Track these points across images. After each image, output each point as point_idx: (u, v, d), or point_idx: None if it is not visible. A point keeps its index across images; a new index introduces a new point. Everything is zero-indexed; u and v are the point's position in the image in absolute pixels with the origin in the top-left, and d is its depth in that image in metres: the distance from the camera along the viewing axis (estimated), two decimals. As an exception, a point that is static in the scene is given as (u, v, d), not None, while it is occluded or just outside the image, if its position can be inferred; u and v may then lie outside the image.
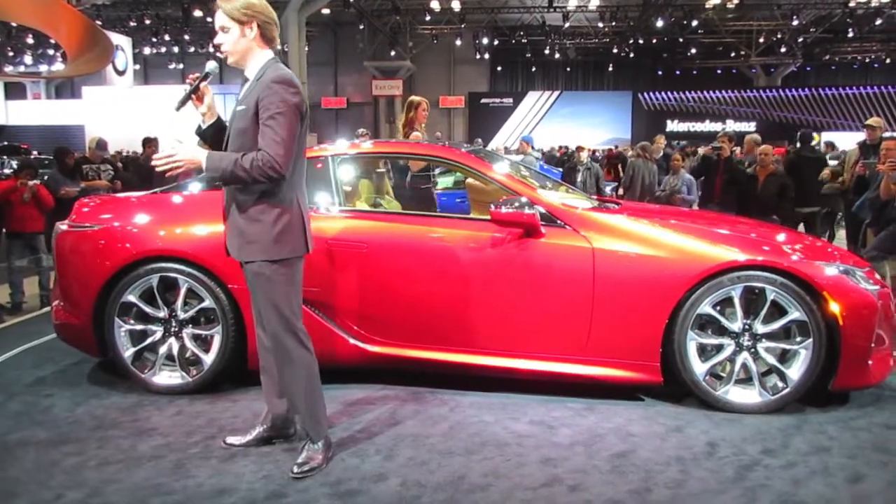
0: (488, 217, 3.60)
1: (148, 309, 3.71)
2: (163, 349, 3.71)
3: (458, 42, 30.15)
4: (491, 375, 3.68)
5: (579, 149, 10.35)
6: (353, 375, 3.82)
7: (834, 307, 3.36)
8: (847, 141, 14.30)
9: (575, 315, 3.50)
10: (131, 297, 3.68)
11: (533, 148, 10.03)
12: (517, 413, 3.47)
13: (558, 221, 3.59)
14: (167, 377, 3.72)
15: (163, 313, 3.71)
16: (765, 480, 2.81)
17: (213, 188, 3.78)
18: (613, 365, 3.53)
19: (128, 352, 3.72)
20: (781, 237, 3.91)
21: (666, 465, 2.94)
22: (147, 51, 31.63)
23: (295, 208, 2.75)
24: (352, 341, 3.68)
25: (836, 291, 3.37)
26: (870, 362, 3.45)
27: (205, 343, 3.71)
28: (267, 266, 2.71)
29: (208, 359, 3.67)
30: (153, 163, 2.67)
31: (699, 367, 3.48)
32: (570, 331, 3.53)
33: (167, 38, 29.61)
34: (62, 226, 3.92)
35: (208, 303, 3.62)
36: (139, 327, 3.73)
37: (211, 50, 31.09)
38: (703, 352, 3.52)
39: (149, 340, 3.74)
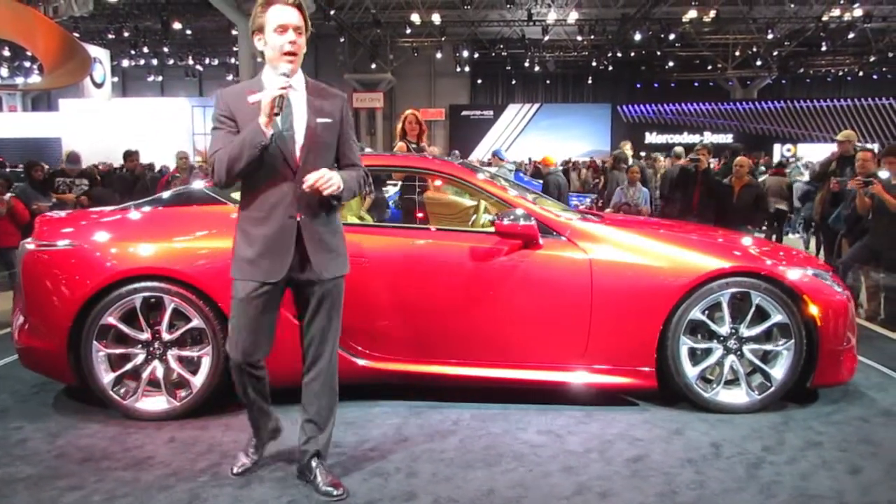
0: (482, 229, 3.74)
1: (129, 331, 3.53)
2: (146, 373, 3.54)
3: (439, 55, 30.26)
4: (492, 387, 3.70)
5: (541, 162, 10.28)
6: (343, 393, 3.72)
7: (813, 309, 3.56)
8: (821, 153, 14.52)
9: (574, 324, 3.57)
10: (111, 319, 3.49)
11: (502, 160, 10.22)
12: (521, 423, 3.49)
13: (553, 232, 3.64)
14: (152, 402, 3.56)
15: (145, 335, 3.55)
16: (775, 476, 2.95)
17: (174, 204, 3.78)
18: (611, 372, 3.61)
19: (107, 377, 3.53)
20: (755, 245, 4.11)
21: (680, 467, 3.02)
22: (125, 63, 31.41)
23: None
24: (351, 358, 3.61)
25: (814, 295, 3.57)
26: (843, 361, 3.66)
27: (191, 365, 3.57)
28: (344, 279, 2.78)
29: (197, 381, 3.53)
30: (307, 185, 2.51)
31: (691, 371, 3.60)
32: (570, 340, 3.59)
33: (146, 50, 29.45)
34: (29, 245, 3.67)
35: (197, 322, 3.50)
36: (119, 351, 3.55)
37: (190, 62, 30.97)
38: (693, 356, 3.63)
39: (130, 365, 3.55)
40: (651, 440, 3.29)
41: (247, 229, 2.65)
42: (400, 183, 5.52)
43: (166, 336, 3.55)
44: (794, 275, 3.60)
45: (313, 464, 2.79)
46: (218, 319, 3.48)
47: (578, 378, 3.61)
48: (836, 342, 3.60)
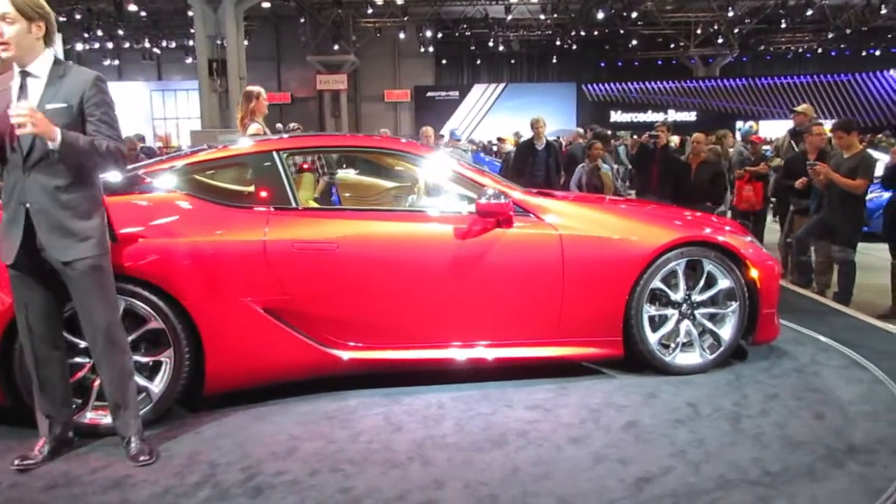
0: (446, 210, 3.81)
1: (74, 339, 3.09)
2: (96, 384, 3.10)
3: (402, 35, 29.95)
4: (472, 367, 3.70)
5: (501, 140, 10.64)
6: (313, 387, 3.61)
7: (754, 274, 3.86)
8: (781, 129, 14.74)
9: (548, 300, 3.67)
10: None
11: (457, 140, 11.02)
12: (504, 401, 3.48)
13: (522, 210, 3.70)
14: (106, 415, 3.12)
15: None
16: (757, 429, 3.12)
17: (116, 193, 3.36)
18: (582, 344, 3.75)
19: None
20: (690, 215, 4.34)
21: (673, 428, 3.14)
22: (80, 46, 30.49)
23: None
24: (326, 349, 3.49)
25: (754, 261, 3.89)
26: (775, 320, 4.03)
27: (147, 371, 3.26)
28: (100, 264, 2.80)
29: (156, 388, 3.22)
30: (12, 114, 2.52)
31: (653, 338, 3.79)
32: (545, 315, 3.68)
33: (100, 33, 28.60)
34: None
35: (154, 324, 3.21)
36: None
37: (147, 45, 30.24)
38: (652, 322, 3.81)
39: (80, 375, 3.14)
40: (634, 406, 3.38)
41: None
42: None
43: None
44: (738, 243, 3.89)
45: (132, 438, 2.93)
46: (179, 319, 3.23)
47: (553, 352, 3.72)
48: (773, 302, 3.95)
